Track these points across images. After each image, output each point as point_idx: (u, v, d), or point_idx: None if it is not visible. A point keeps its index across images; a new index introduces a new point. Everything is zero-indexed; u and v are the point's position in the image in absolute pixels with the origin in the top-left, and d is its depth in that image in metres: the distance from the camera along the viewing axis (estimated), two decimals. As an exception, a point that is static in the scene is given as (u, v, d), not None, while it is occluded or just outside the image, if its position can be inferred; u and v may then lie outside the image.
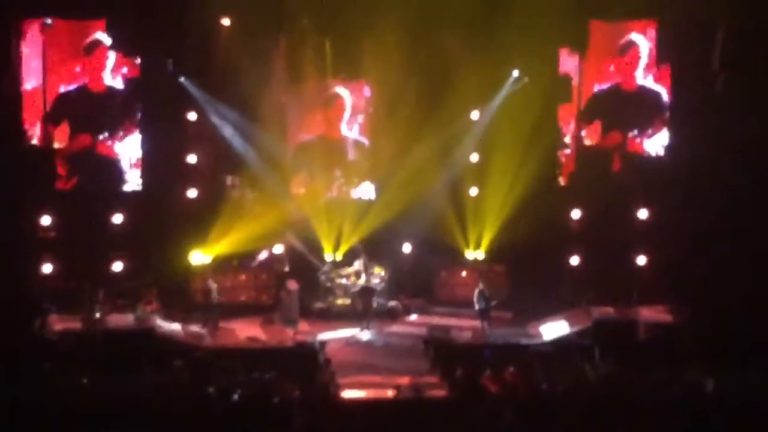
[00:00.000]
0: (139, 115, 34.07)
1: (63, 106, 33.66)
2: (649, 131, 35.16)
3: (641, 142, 35.20)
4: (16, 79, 32.81)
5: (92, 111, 33.85)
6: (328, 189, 36.19)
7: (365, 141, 36.23)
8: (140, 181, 34.26)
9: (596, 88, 35.33)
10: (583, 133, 35.40)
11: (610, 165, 35.38)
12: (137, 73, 33.79)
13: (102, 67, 33.61)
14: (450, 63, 34.42)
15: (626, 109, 35.31)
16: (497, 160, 35.03)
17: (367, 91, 35.91)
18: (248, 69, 33.07)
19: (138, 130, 34.05)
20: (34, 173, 32.86)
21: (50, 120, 33.39)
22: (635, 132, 35.16)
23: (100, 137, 33.82)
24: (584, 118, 35.31)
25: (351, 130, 36.22)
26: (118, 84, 33.81)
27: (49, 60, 33.23)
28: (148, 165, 34.23)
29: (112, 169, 34.16)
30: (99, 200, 33.81)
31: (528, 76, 35.07)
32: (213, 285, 32.82)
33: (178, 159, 34.81)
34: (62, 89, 33.61)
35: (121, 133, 33.94)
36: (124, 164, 34.12)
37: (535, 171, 34.13)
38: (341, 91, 35.88)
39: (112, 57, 33.59)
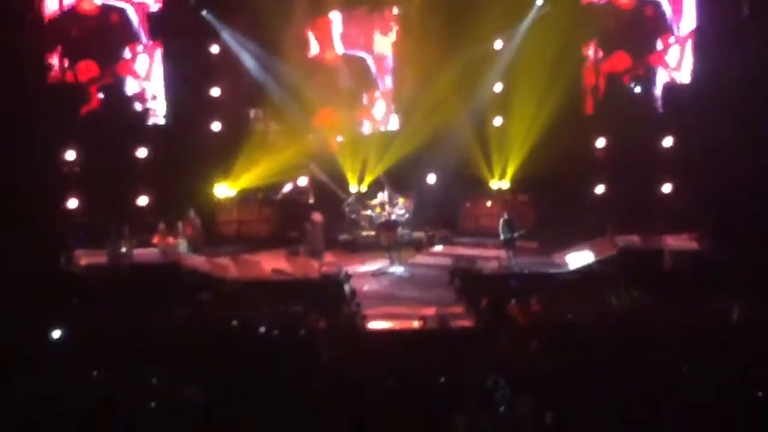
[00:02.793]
0: (149, 43, 33.90)
1: (53, 32, 33.29)
2: (658, 50, 34.90)
3: (653, 63, 34.98)
4: (38, 15, 32.66)
5: (86, 35, 33.61)
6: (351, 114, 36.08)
7: (366, 56, 36.07)
8: (164, 114, 34.24)
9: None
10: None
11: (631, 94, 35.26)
12: (160, 5, 33.62)
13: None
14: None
15: (624, 27, 35.08)
16: (521, 90, 34.83)
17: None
18: (271, 1, 32.93)
19: (161, 62, 33.94)
20: (57, 109, 32.76)
21: (46, 48, 33.15)
22: (641, 51, 34.91)
23: (104, 66, 33.58)
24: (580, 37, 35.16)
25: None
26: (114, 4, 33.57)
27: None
28: (171, 99, 34.18)
29: (121, 98, 34.02)
30: (123, 134, 33.76)
31: (552, 4, 34.77)
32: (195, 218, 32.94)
33: (201, 92, 34.73)
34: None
35: (124, 59, 33.69)
36: (130, 90, 33.94)
37: (559, 100, 33.90)
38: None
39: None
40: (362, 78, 36.17)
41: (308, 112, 35.38)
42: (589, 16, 34.95)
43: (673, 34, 35.06)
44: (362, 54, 36.15)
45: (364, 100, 36.22)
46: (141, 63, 34.03)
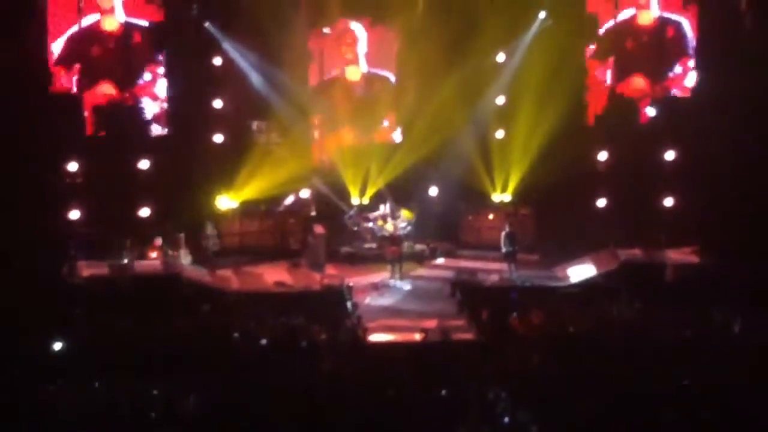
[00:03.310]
0: (163, 61, 33.97)
1: (73, 50, 33.36)
2: (675, 72, 34.92)
3: (671, 87, 35.03)
4: (42, 25, 32.69)
5: (106, 55, 33.69)
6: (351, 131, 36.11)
7: (389, 75, 36.08)
8: (166, 126, 34.26)
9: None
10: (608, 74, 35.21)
11: (636, 113, 35.20)
12: (161, 17, 33.66)
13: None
14: (476, 4, 34.23)
15: (643, 46, 35.08)
16: (524, 103, 34.86)
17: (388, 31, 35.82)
18: (273, 12, 32.99)
19: (163, 76, 33.99)
20: (60, 120, 32.77)
21: (62, 63, 33.22)
22: (659, 75, 34.93)
23: (124, 87, 33.68)
24: (598, 56, 35.10)
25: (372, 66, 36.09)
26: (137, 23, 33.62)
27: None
28: (174, 110, 34.21)
29: (138, 121, 34.07)
30: (126, 146, 33.77)
31: (554, 17, 34.81)
32: (212, 231, 32.99)
33: (203, 104, 34.75)
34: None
35: (143, 81, 33.80)
36: (149, 112, 34.05)
37: (561, 113, 33.90)
38: (354, 25, 35.72)
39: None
40: (383, 98, 36.24)
41: (310, 124, 35.47)
42: (591, 29, 34.97)
43: (692, 57, 35.01)
44: (385, 73, 36.19)
45: (385, 123, 36.21)
46: (161, 85, 34.08)
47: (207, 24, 34.12)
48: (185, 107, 34.36)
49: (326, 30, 35.50)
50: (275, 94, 34.76)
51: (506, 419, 18.55)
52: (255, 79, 34.66)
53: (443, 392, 19.84)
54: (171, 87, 34.05)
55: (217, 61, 34.69)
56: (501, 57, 35.54)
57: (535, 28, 35.07)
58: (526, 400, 18.95)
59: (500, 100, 35.89)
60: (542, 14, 34.96)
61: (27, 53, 31.90)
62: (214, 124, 34.93)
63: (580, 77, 35.17)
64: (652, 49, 35.15)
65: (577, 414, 18.53)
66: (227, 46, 34.39)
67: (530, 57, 35.02)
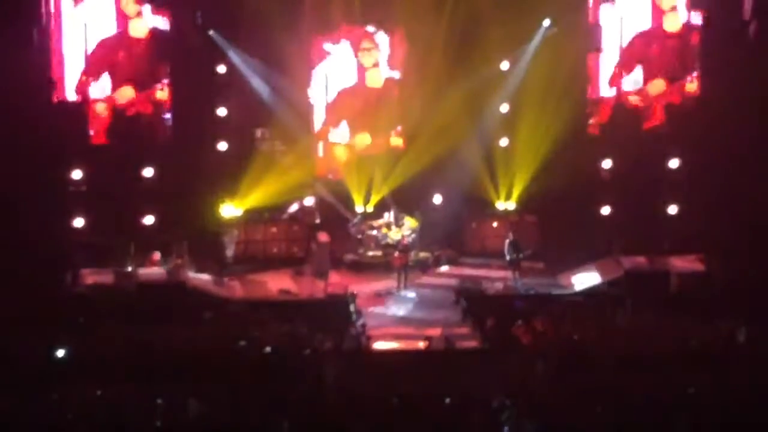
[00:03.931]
0: (168, 69, 33.97)
1: (103, 55, 33.33)
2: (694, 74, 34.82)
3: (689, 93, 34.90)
4: (46, 32, 32.69)
5: (132, 60, 33.66)
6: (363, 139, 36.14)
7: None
8: (171, 134, 34.25)
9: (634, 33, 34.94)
10: (624, 80, 35.01)
11: (640, 121, 35.14)
12: (167, 26, 33.64)
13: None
14: (480, 13, 34.21)
15: (668, 52, 34.97)
16: (528, 111, 34.83)
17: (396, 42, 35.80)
18: (277, 20, 33.00)
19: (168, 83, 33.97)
20: (65, 127, 32.76)
21: (90, 70, 33.21)
22: (679, 79, 34.80)
23: (142, 90, 33.64)
24: (624, 64, 34.97)
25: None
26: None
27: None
28: (178, 118, 34.18)
29: (154, 125, 34.04)
30: (130, 154, 33.76)
31: (558, 25, 34.80)
32: (228, 238, 32.97)
33: (207, 112, 34.71)
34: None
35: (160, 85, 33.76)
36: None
37: (565, 121, 33.89)
38: (375, 32, 35.72)
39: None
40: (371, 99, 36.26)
41: (314, 132, 35.51)
42: (599, 39, 34.92)
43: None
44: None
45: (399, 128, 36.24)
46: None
47: (211, 32, 34.11)
48: (189, 115, 34.31)
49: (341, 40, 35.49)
50: (279, 102, 34.78)
51: (510, 428, 18.54)
52: (259, 86, 34.67)
53: (447, 400, 19.83)
54: (175, 95, 34.01)
55: (222, 69, 34.66)
56: (505, 65, 35.50)
57: (539, 36, 35.05)
58: (530, 409, 18.93)
59: (504, 108, 35.84)
60: (546, 22, 34.93)
61: (31, 61, 31.89)
62: (219, 132, 34.86)
63: (584, 85, 35.11)
64: (676, 54, 34.96)
65: (581, 423, 18.51)
66: (231, 54, 34.37)
67: (534, 65, 35.00)
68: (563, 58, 34.05)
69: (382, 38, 35.65)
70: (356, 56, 35.73)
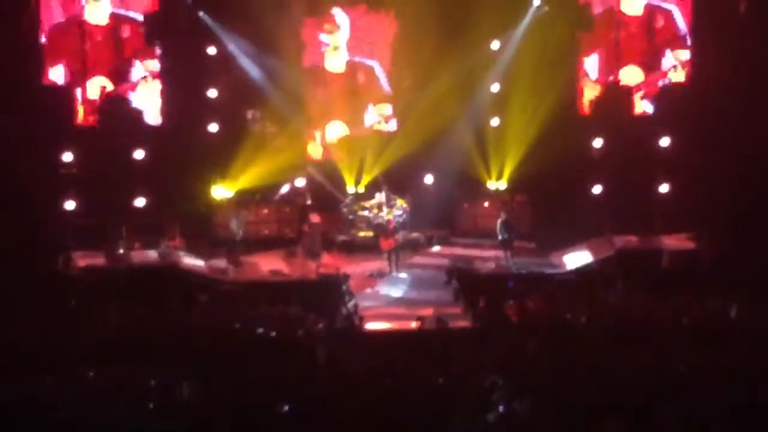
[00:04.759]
0: (158, 51, 33.91)
1: (57, 41, 33.26)
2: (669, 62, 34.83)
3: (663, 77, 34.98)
4: (35, 15, 32.56)
5: (96, 47, 33.52)
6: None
7: (375, 64, 36.00)
8: (161, 116, 34.22)
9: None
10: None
11: (630, 101, 35.18)
12: (156, 7, 33.59)
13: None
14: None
15: (632, 36, 35.02)
16: (518, 90, 34.89)
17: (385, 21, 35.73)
18: (268, 1, 32.99)
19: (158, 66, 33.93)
20: (54, 110, 32.68)
21: (47, 56, 33.05)
22: (653, 65, 34.85)
23: (118, 80, 33.56)
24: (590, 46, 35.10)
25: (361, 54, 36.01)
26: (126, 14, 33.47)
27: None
28: (168, 100, 34.16)
29: (132, 113, 33.97)
30: (121, 136, 33.73)
31: (549, 4, 34.78)
32: (235, 220, 32.94)
33: (198, 94, 34.70)
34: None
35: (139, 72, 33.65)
36: (144, 104, 33.98)
37: (556, 101, 33.91)
38: (335, 11, 35.66)
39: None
40: (369, 87, 36.17)
41: (305, 113, 35.44)
42: (586, 17, 34.90)
43: (686, 47, 34.94)
44: (370, 62, 36.11)
45: (371, 112, 36.10)
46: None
47: (201, 13, 34.05)
48: (180, 97, 34.29)
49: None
50: (270, 83, 34.74)
51: (502, 407, 18.56)
52: (249, 67, 34.63)
53: (440, 380, 19.85)
54: (166, 77, 33.97)
55: (212, 50, 34.65)
56: (496, 45, 35.50)
57: (529, 15, 35.04)
58: (523, 388, 18.95)
59: (495, 88, 35.85)
60: (537, 2, 34.92)
61: (19, 45, 31.80)
62: (209, 113, 34.90)
63: (575, 65, 35.13)
64: (642, 39, 35.02)
65: (574, 401, 18.54)
66: (222, 35, 34.33)
67: (525, 45, 35.04)
68: (554, 37, 34.05)
69: (342, 19, 35.55)
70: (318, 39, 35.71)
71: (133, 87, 33.97)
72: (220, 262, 31.64)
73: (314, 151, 36.06)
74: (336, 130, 36.01)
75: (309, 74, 35.76)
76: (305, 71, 35.63)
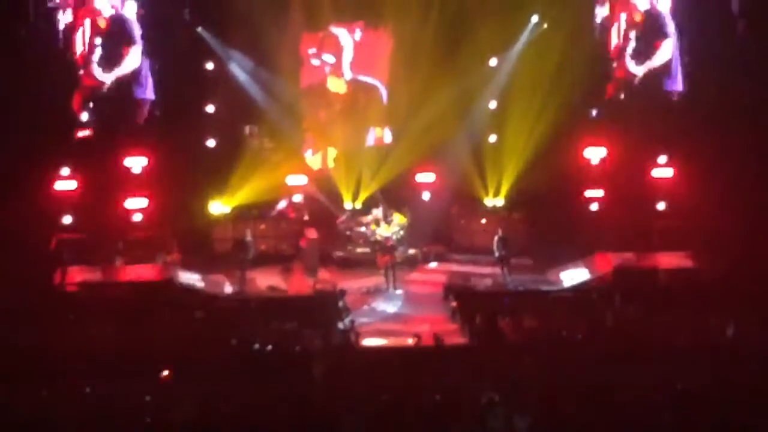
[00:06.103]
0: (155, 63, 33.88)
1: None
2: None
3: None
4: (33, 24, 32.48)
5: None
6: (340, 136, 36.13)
7: (377, 84, 36.05)
8: (159, 130, 34.16)
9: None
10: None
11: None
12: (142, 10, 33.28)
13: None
14: (469, 9, 34.27)
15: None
16: (516, 107, 34.90)
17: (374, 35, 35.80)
18: (265, 17, 33.02)
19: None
20: (52, 122, 32.56)
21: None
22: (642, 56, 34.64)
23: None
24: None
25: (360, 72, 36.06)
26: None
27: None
28: (166, 115, 34.11)
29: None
30: (117, 150, 33.63)
31: (547, 22, 34.82)
32: (249, 237, 32.61)
33: (196, 109, 34.70)
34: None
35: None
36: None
37: (554, 117, 33.90)
38: (337, 30, 35.71)
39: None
40: (370, 107, 36.23)
41: (302, 129, 35.49)
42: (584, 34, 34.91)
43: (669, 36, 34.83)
44: (372, 80, 36.17)
45: (372, 132, 36.16)
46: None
47: (199, 29, 34.08)
48: (178, 112, 34.25)
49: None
50: (267, 99, 34.78)
51: (499, 424, 18.53)
52: (247, 83, 34.66)
53: (437, 397, 19.82)
54: (163, 91, 33.92)
55: (210, 65, 34.68)
56: (494, 61, 35.56)
57: (527, 33, 35.09)
58: (520, 405, 18.93)
59: (493, 104, 35.89)
60: (534, 19, 34.97)
61: (17, 58, 31.77)
62: (207, 128, 34.89)
63: (572, 82, 35.12)
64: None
65: (570, 419, 18.52)
66: (219, 50, 34.37)
67: (523, 61, 35.08)
68: (551, 54, 34.05)
69: (346, 40, 35.63)
70: (319, 59, 35.75)
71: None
72: (219, 277, 31.59)
73: (313, 163, 35.99)
74: (335, 150, 35.96)
75: (309, 93, 35.75)
76: (305, 90, 35.64)
